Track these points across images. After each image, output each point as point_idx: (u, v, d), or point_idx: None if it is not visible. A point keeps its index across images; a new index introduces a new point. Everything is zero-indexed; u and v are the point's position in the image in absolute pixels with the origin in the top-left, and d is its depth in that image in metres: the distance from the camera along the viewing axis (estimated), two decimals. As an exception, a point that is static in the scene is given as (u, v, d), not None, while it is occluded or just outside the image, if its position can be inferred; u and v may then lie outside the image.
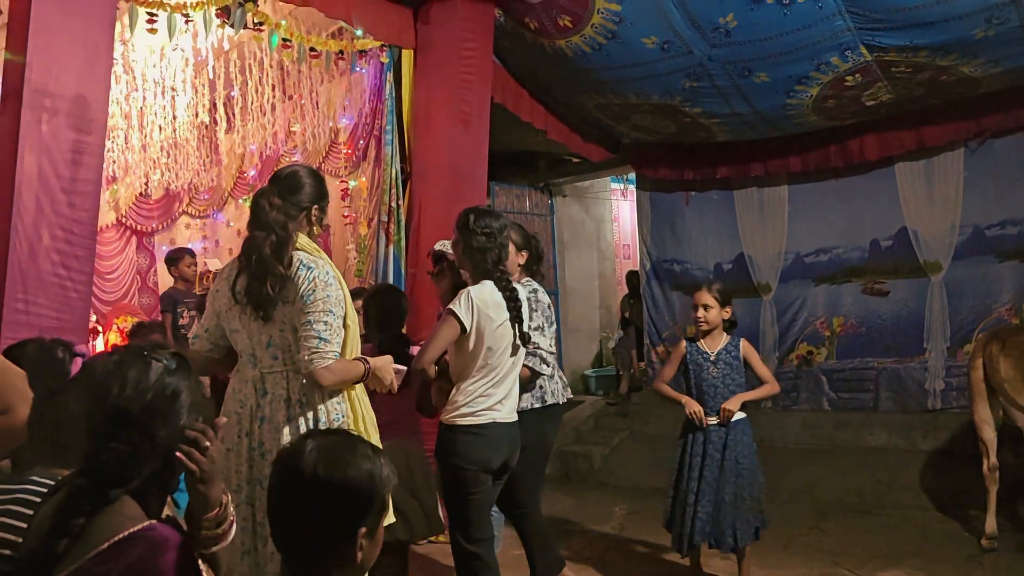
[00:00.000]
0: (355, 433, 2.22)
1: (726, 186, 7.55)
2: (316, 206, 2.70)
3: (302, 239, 2.63)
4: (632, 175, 8.57)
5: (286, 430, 2.50)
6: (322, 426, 2.54)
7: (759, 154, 7.04)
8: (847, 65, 5.25)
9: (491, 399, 3.15)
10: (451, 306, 3.11)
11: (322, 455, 1.43)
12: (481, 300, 3.11)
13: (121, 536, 1.35)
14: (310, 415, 2.55)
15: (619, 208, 10.73)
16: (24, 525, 1.53)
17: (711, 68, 5.47)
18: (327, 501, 1.40)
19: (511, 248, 3.53)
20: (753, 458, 3.95)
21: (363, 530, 1.41)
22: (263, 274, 2.50)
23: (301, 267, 2.52)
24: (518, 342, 3.20)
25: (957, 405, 6.28)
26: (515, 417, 3.26)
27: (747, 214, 7.50)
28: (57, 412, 1.68)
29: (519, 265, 3.71)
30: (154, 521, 1.42)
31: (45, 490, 1.56)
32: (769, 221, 7.38)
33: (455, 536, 3.21)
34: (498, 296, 3.15)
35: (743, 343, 4.03)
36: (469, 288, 3.16)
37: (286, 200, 2.60)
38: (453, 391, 3.17)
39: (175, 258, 6.36)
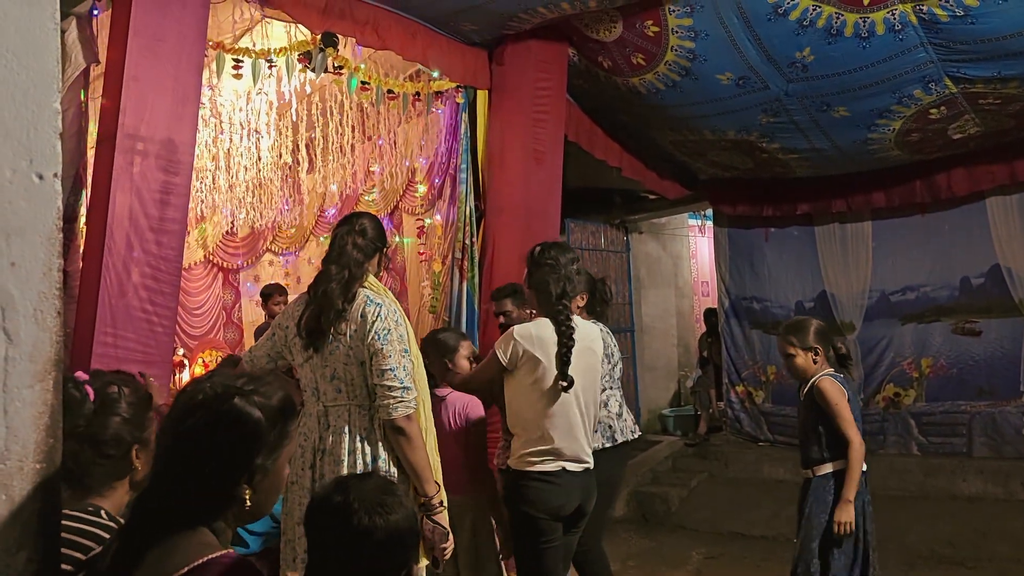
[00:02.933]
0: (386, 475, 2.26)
1: (807, 222, 7.40)
2: (384, 248, 2.79)
3: (371, 279, 2.70)
4: (710, 211, 8.46)
5: (346, 463, 2.53)
6: (381, 462, 2.56)
7: (841, 189, 6.88)
8: (931, 98, 5.10)
9: (556, 442, 2.99)
10: (497, 342, 3.07)
11: (365, 504, 1.43)
12: (525, 338, 2.99)
13: (198, 562, 1.39)
14: (368, 450, 2.57)
15: (697, 245, 10.61)
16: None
17: (788, 103, 5.39)
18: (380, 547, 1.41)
19: None
20: (819, 519, 3.38)
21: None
22: (325, 307, 2.57)
23: (369, 303, 2.58)
24: (562, 383, 2.96)
25: (1059, 453, 5.97)
26: (590, 463, 3.09)
27: (829, 251, 7.32)
28: (75, 447, 1.68)
29: (579, 307, 3.60)
30: (230, 550, 1.45)
31: (76, 524, 1.60)
32: (852, 258, 7.19)
33: None
34: (548, 332, 2.99)
35: (818, 381, 3.38)
36: (515, 326, 3.07)
37: (367, 239, 2.68)
38: (515, 436, 3.07)
39: (268, 293, 6.52)
